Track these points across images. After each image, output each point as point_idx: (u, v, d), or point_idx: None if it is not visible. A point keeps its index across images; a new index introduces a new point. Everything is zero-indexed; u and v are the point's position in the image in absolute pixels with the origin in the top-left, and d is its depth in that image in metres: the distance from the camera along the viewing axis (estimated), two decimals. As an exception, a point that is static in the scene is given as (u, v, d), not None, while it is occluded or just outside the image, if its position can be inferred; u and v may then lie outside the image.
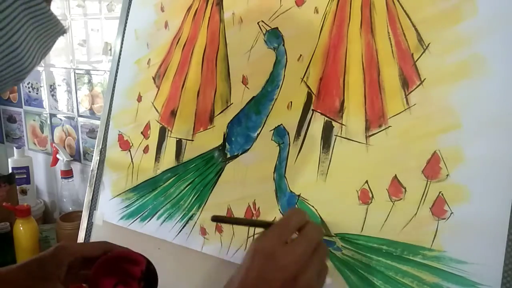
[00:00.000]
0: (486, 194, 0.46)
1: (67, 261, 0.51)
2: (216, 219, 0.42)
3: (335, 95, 0.56)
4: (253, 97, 0.63)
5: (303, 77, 0.58)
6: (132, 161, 0.75)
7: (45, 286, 0.49)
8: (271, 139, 0.60)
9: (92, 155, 0.87)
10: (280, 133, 0.60)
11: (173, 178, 0.69)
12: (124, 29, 0.79)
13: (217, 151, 0.65)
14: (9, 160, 1.28)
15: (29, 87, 1.32)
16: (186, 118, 0.70)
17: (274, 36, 0.62)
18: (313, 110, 0.57)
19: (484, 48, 0.47)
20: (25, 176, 1.28)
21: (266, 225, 0.43)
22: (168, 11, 0.74)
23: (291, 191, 0.58)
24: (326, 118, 0.56)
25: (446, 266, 0.47)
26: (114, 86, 0.80)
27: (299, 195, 0.57)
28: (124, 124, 0.77)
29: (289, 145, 0.59)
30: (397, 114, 0.51)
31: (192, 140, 0.69)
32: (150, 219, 0.70)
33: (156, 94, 0.74)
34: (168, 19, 0.74)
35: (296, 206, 0.51)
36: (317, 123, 0.57)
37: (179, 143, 0.70)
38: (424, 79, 0.50)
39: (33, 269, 0.50)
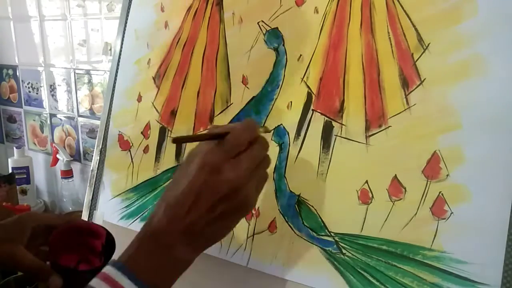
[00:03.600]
0: (486, 194, 0.46)
1: (30, 226, 0.54)
2: (175, 140, 0.43)
3: (335, 95, 0.56)
4: (253, 97, 0.63)
5: (303, 77, 0.58)
6: (132, 161, 0.75)
7: (8, 247, 0.52)
8: (271, 139, 0.60)
9: (92, 155, 0.87)
10: (280, 133, 0.60)
11: (173, 178, 0.69)
12: (124, 29, 0.79)
13: (217, 151, 0.65)
14: (9, 160, 1.28)
15: (29, 87, 1.32)
16: (186, 118, 0.70)
17: (274, 36, 0.62)
18: (313, 110, 0.57)
19: (484, 48, 0.47)
20: (25, 176, 1.28)
21: (220, 136, 0.43)
22: (168, 11, 0.74)
23: (291, 191, 0.58)
24: (326, 118, 0.56)
25: (446, 266, 0.47)
26: (114, 86, 0.80)
27: (299, 195, 0.57)
28: (124, 124, 0.77)
29: (289, 145, 0.59)
30: (397, 114, 0.51)
31: (192, 140, 0.69)
32: (150, 219, 0.70)
33: (156, 94, 0.74)
34: (168, 19, 0.74)
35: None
36: (317, 123, 0.57)
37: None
38: (424, 79, 0.50)
39: None
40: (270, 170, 0.59)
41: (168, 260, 0.42)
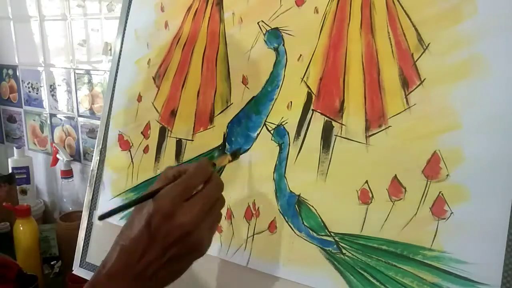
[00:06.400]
0: (486, 194, 0.46)
1: None
2: (102, 217, 0.43)
3: (335, 95, 0.56)
4: (253, 97, 0.63)
5: (303, 77, 0.58)
6: (132, 161, 0.75)
7: None
8: (271, 139, 0.60)
9: (92, 155, 0.87)
10: (280, 133, 0.60)
11: (173, 178, 0.69)
12: (124, 29, 0.79)
13: (217, 151, 0.65)
14: (9, 160, 1.28)
15: (29, 87, 1.32)
16: (186, 118, 0.70)
17: (274, 36, 0.62)
18: (313, 110, 0.57)
19: (484, 48, 0.47)
20: (25, 176, 1.28)
21: (152, 195, 0.43)
22: (168, 11, 0.74)
23: (291, 191, 0.58)
24: (326, 118, 0.56)
25: (446, 266, 0.47)
26: (114, 86, 0.80)
27: (299, 195, 0.57)
28: (124, 124, 0.77)
29: (289, 145, 0.59)
30: (397, 114, 0.51)
31: (192, 140, 0.69)
32: (150, 219, 0.70)
33: (156, 94, 0.74)
34: (168, 19, 0.74)
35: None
36: (317, 123, 0.57)
37: (179, 143, 0.70)
38: (424, 79, 0.50)
39: None
40: (270, 170, 0.59)
41: None
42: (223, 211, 0.62)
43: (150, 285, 0.43)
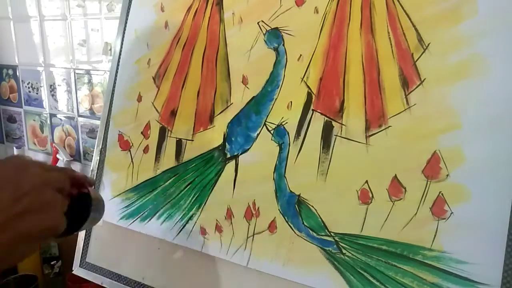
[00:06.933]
0: (486, 194, 0.46)
1: None
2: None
3: (335, 95, 0.56)
4: (253, 97, 0.63)
5: (303, 77, 0.58)
6: (132, 161, 0.75)
7: None
8: (271, 139, 0.60)
9: (92, 155, 0.87)
10: (280, 133, 0.60)
11: (173, 178, 0.69)
12: (124, 29, 0.79)
13: (217, 151, 0.65)
14: (9, 160, 1.27)
15: (29, 87, 1.32)
16: (186, 118, 0.70)
17: (274, 36, 0.62)
18: (313, 110, 0.57)
19: (484, 48, 0.47)
20: (25, 176, 1.28)
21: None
22: (168, 11, 0.74)
23: (291, 191, 0.58)
24: (326, 118, 0.56)
25: (446, 266, 0.47)
26: (114, 86, 0.80)
27: (299, 195, 0.57)
28: (124, 124, 0.77)
29: (289, 145, 0.59)
30: (397, 114, 0.51)
31: (192, 140, 0.69)
32: (150, 219, 0.70)
33: (156, 94, 0.74)
34: (168, 19, 0.74)
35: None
36: (317, 123, 0.57)
37: (179, 143, 0.70)
38: (424, 79, 0.50)
39: None
40: (270, 170, 0.59)
41: None
42: (224, 210, 0.63)
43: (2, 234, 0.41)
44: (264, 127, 0.61)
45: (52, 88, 1.26)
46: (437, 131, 0.49)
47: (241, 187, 0.62)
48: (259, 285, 0.59)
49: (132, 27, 0.78)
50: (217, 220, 0.63)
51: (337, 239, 0.54)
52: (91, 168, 0.81)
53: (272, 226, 0.59)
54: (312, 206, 0.56)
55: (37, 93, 1.30)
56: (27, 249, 0.44)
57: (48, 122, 1.30)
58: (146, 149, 0.74)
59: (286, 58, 0.60)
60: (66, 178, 0.47)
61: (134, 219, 0.72)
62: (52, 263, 1.05)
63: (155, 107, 0.74)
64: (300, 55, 0.59)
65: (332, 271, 0.53)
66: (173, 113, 0.71)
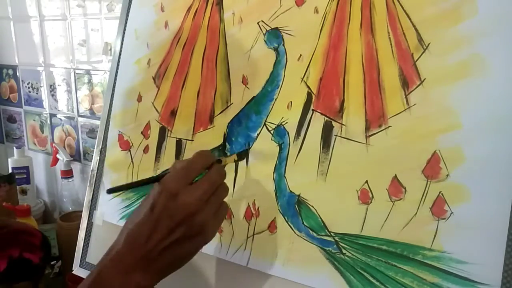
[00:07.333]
0: (486, 194, 0.46)
1: None
2: (111, 190, 0.46)
3: (335, 95, 0.56)
4: (253, 97, 0.63)
5: (303, 77, 0.58)
6: (132, 161, 0.75)
7: None
8: (271, 139, 0.60)
9: (92, 155, 0.87)
10: (280, 133, 0.60)
11: (173, 178, 0.69)
12: (124, 29, 0.79)
13: (217, 151, 0.65)
14: (9, 160, 1.28)
15: (29, 87, 1.32)
16: (186, 118, 0.70)
17: (274, 36, 0.62)
18: (313, 110, 0.57)
19: (484, 48, 0.47)
20: (25, 176, 1.28)
21: (157, 179, 0.46)
22: (168, 11, 0.74)
23: (290, 191, 0.58)
24: (326, 118, 0.56)
25: (446, 266, 0.47)
26: (114, 86, 0.80)
27: (299, 195, 0.57)
28: (124, 124, 0.77)
29: (289, 145, 0.59)
30: (397, 114, 0.51)
31: (192, 140, 0.69)
32: (150, 219, 0.70)
33: (156, 94, 0.74)
34: (168, 19, 0.74)
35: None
36: (317, 123, 0.57)
37: (179, 143, 0.70)
38: (424, 79, 0.50)
39: None
40: (270, 170, 0.59)
41: (127, 286, 0.43)
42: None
43: (156, 267, 0.44)
44: (264, 127, 0.61)
45: (52, 88, 1.26)
46: (437, 131, 0.49)
47: (241, 187, 0.62)
48: (259, 285, 0.59)
49: (132, 27, 0.78)
50: (217, 220, 0.63)
51: (337, 239, 0.54)
52: (91, 168, 0.81)
53: (272, 226, 0.59)
54: (312, 206, 0.56)
55: (37, 93, 1.30)
56: (186, 261, 0.47)
57: (48, 122, 1.30)
58: (146, 149, 0.74)
59: (286, 58, 0.60)
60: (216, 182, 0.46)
61: (134, 219, 0.72)
62: (52, 263, 1.05)
63: (155, 107, 0.74)
64: (300, 55, 0.59)
65: (332, 271, 0.53)
66: (173, 113, 0.71)
